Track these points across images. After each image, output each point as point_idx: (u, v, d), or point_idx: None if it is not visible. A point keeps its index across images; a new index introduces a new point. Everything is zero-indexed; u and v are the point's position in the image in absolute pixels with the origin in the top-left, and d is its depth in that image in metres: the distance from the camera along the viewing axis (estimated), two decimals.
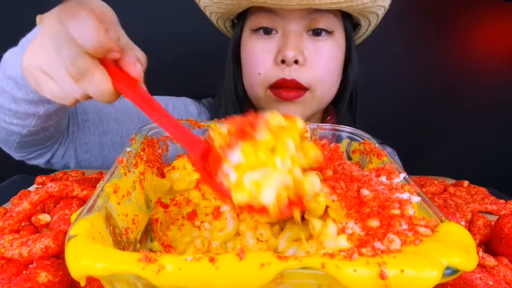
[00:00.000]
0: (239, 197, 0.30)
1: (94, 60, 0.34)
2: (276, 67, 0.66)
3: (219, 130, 0.32)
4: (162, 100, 0.79)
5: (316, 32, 0.66)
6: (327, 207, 0.30)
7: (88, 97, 0.37)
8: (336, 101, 0.77)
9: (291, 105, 0.67)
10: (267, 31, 0.67)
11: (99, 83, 0.34)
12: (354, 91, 0.77)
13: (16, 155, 0.65)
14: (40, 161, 0.68)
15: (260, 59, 0.67)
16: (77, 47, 0.33)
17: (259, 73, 0.68)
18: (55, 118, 0.58)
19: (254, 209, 0.30)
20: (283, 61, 0.64)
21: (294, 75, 0.64)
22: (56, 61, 0.34)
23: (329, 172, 0.34)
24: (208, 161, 0.33)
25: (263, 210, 0.29)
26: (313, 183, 0.31)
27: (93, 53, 0.33)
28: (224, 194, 0.31)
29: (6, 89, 0.51)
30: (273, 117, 0.31)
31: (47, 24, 0.36)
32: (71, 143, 0.69)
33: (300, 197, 0.31)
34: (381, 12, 0.68)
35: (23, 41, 0.51)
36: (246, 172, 0.30)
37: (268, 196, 0.29)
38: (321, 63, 0.66)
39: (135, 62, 0.36)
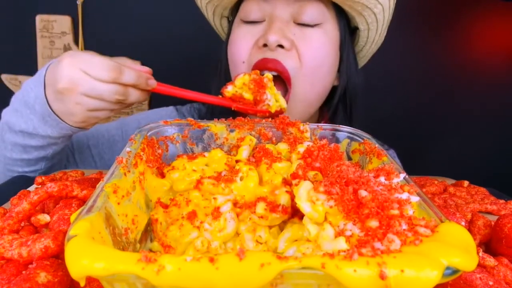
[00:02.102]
0: (274, 108, 0.61)
1: (126, 87, 0.55)
2: (257, 50, 0.64)
3: (241, 81, 0.60)
4: (135, 119, 0.81)
5: (304, 23, 0.64)
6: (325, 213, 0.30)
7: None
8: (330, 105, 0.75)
9: None
10: (255, 20, 0.66)
11: (136, 96, 0.56)
12: (348, 94, 0.74)
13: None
14: None
15: (242, 45, 0.66)
16: (113, 85, 0.53)
17: (243, 62, 0.67)
18: (59, 156, 0.68)
19: (277, 112, 0.61)
20: (265, 45, 0.63)
21: (278, 58, 0.62)
22: (100, 99, 0.54)
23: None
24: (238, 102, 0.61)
25: (281, 111, 0.62)
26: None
27: (132, 84, 0.55)
28: (264, 112, 0.60)
29: (18, 141, 0.61)
30: (268, 76, 0.60)
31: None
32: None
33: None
34: (379, 11, 0.65)
35: (14, 98, 0.62)
36: (272, 97, 0.61)
37: (284, 102, 0.62)
38: (308, 52, 0.64)
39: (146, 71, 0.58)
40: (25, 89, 0.59)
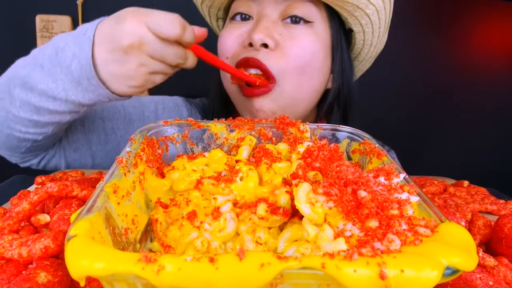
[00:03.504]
0: None
1: (186, 49, 0.52)
2: (242, 49, 0.63)
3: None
4: (152, 101, 0.79)
5: (293, 21, 0.63)
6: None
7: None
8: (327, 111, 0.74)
9: (258, 100, 0.64)
10: (244, 18, 0.66)
11: (192, 61, 0.54)
12: (342, 97, 0.72)
13: (15, 159, 0.67)
14: (33, 162, 0.69)
15: (228, 42, 0.66)
16: (176, 47, 0.50)
17: (227, 57, 0.66)
18: (69, 123, 0.61)
19: None
20: (251, 45, 0.62)
21: (260, 58, 0.61)
22: (162, 62, 0.51)
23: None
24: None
25: None
26: None
27: (187, 43, 0.51)
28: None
29: (32, 101, 0.54)
30: None
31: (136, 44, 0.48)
32: (60, 143, 0.69)
33: None
34: (372, 12, 0.64)
35: (37, 53, 0.55)
36: None
37: None
38: (294, 51, 0.62)
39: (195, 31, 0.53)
40: (59, 45, 0.52)
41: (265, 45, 0.61)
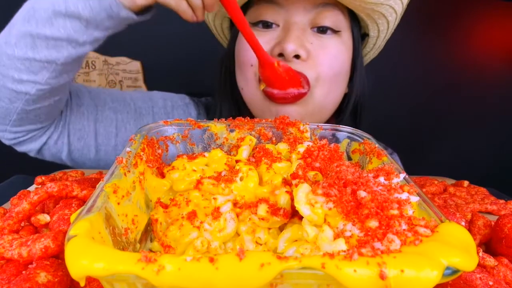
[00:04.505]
0: None
1: None
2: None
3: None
4: (160, 97, 0.77)
5: (322, 30, 0.62)
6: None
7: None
8: (338, 114, 0.73)
9: (288, 107, 0.62)
10: (267, 25, 0.63)
11: None
12: (359, 105, 0.72)
13: (10, 136, 0.63)
14: (32, 147, 0.66)
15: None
16: None
17: (251, 65, 0.63)
18: (66, 77, 0.57)
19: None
20: (281, 55, 0.60)
21: (295, 69, 0.59)
22: None
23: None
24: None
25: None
26: None
27: None
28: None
29: (29, 30, 0.51)
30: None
31: None
32: (64, 128, 0.67)
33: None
34: (392, 19, 0.64)
35: None
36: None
37: None
38: (326, 61, 0.61)
39: None
40: None
41: (297, 56, 0.59)
